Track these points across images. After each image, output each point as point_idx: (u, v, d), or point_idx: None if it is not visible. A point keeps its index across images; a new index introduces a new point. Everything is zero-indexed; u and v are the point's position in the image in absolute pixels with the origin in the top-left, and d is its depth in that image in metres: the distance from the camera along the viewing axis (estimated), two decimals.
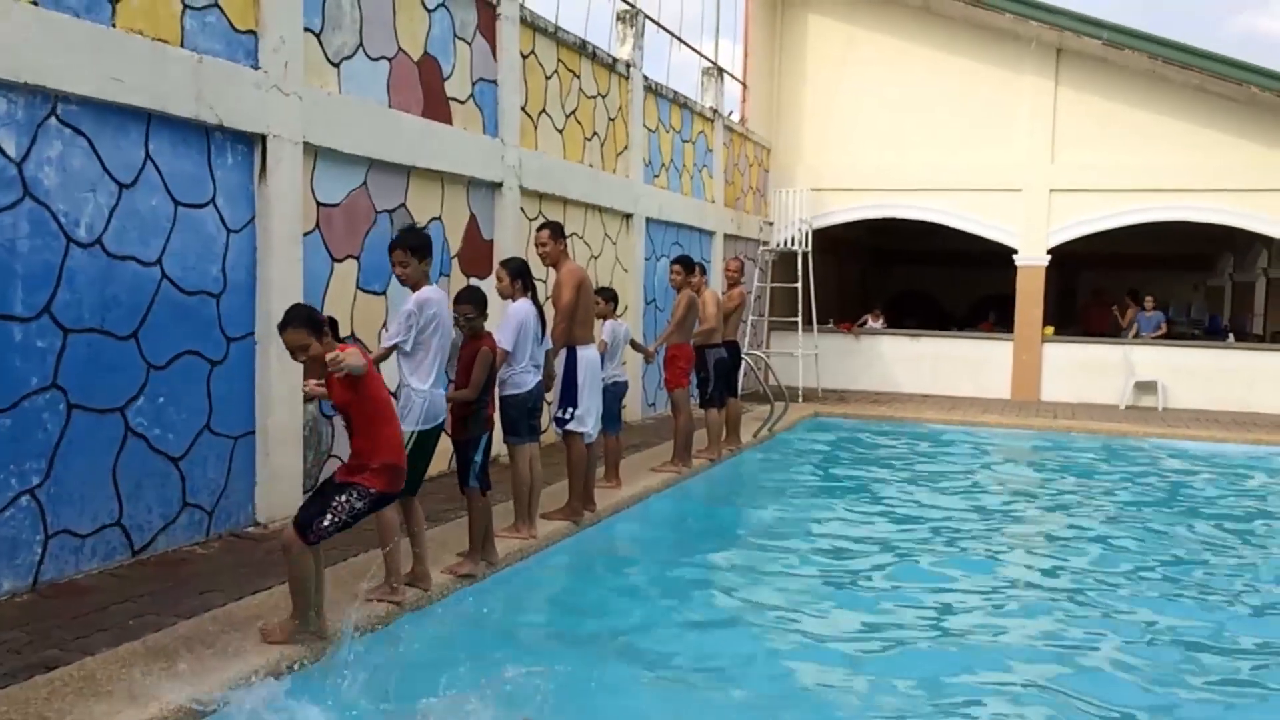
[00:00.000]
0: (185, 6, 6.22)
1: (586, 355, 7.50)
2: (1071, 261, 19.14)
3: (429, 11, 8.58)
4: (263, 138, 6.77)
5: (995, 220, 17.28)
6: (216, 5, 6.45)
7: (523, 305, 6.72)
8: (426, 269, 5.85)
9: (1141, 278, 21.44)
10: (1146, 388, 16.42)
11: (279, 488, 6.99)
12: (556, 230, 7.54)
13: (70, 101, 5.54)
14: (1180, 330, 21.04)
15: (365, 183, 7.91)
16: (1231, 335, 19.04)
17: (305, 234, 7.23)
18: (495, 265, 9.63)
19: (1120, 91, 16.62)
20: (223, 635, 4.81)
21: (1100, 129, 16.70)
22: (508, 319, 6.66)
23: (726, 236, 16.00)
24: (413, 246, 5.73)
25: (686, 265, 9.78)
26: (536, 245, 7.65)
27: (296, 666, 4.62)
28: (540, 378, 6.87)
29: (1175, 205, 16.46)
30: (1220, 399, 16.21)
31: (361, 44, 7.76)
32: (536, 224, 10.42)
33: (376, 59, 7.94)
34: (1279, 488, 10.84)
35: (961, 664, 5.43)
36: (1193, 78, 15.78)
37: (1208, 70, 15.31)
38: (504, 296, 6.85)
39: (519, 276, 6.79)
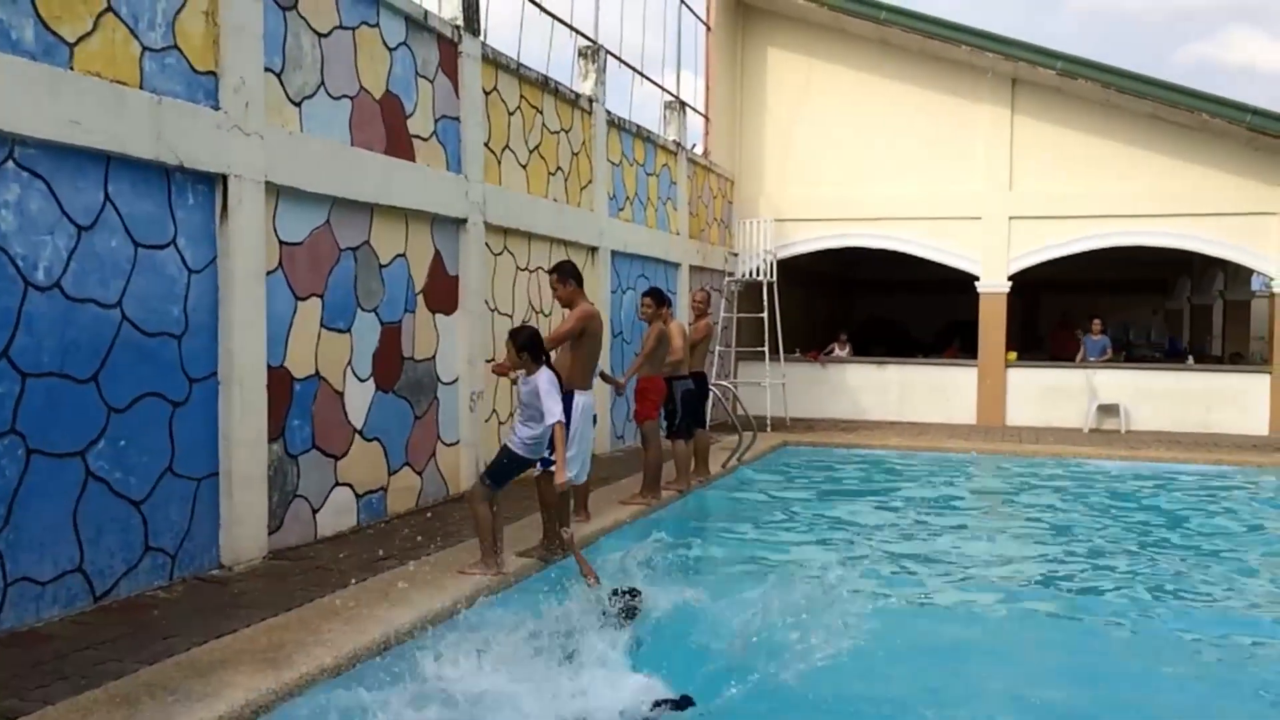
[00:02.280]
0: (144, 48, 6.22)
1: (583, 401, 7.58)
2: (1033, 287, 19.38)
3: (390, 50, 8.63)
4: (224, 178, 6.76)
5: (956, 248, 17.50)
6: (176, 47, 6.45)
7: (545, 374, 6.68)
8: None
9: (1102, 302, 21.75)
10: (1109, 410, 16.62)
11: (243, 530, 6.92)
12: (565, 271, 7.72)
13: (28, 145, 5.51)
14: (1141, 353, 21.32)
15: (328, 221, 7.91)
16: (1191, 357, 19.33)
17: (268, 273, 7.21)
18: (459, 298, 9.67)
19: (1075, 120, 16.92)
20: (186, 681, 4.75)
21: (1056, 157, 16.99)
22: (548, 394, 6.58)
23: (692, 268, 16.09)
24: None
25: (657, 298, 9.82)
26: (551, 288, 7.92)
27: (260, 711, 4.57)
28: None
29: (1131, 230, 16.75)
30: (1181, 420, 16.44)
31: (323, 83, 7.78)
32: (501, 258, 10.48)
33: (338, 98, 7.97)
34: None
35: None
36: (1145, 106, 16.11)
37: (1160, 98, 15.64)
38: (515, 369, 6.84)
39: (525, 349, 6.69)
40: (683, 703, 5.33)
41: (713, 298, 16.70)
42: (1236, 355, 20.54)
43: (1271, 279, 16.30)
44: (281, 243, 7.42)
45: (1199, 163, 16.42)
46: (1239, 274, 20.62)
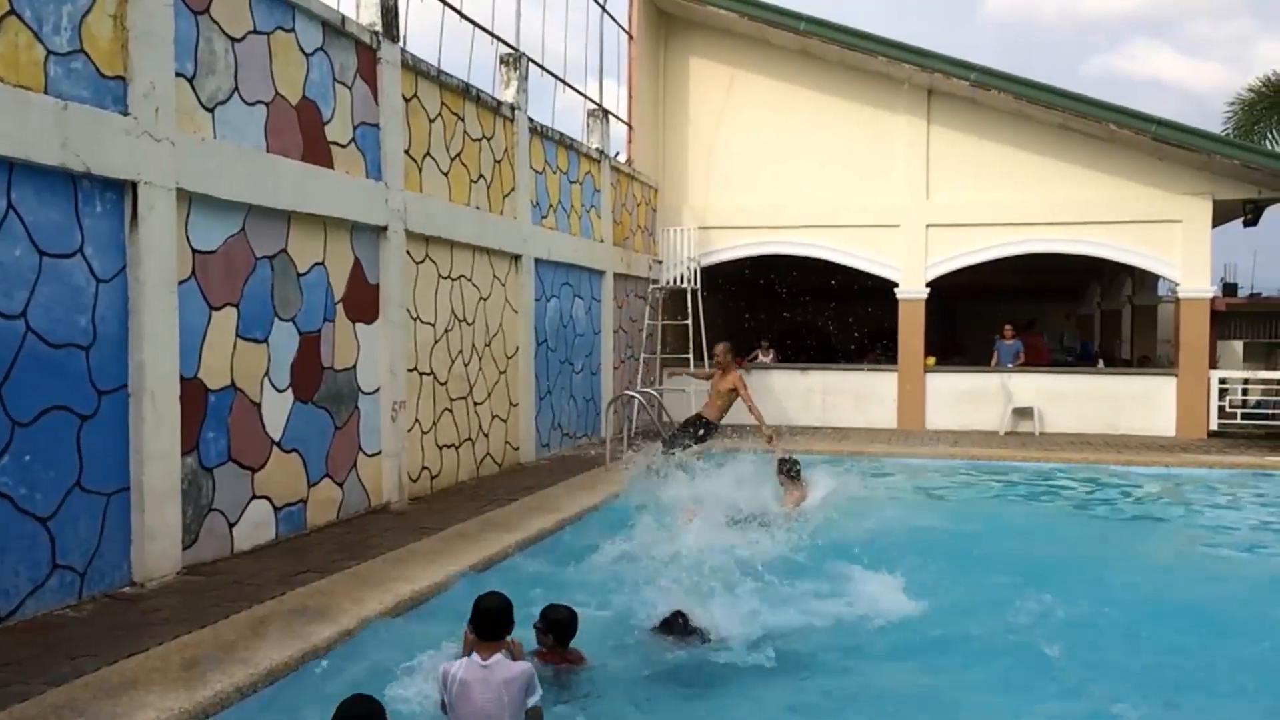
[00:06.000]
0: (49, 53, 6.05)
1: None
2: (950, 294, 19.75)
3: (306, 56, 8.50)
4: (133, 184, 6.60)
5: (876, 255, 17.79)
6: (82, 51, 6.29)
7: None
8: None
9: (1016, 308, 22.25)
10: (1024, 413, 17.02)
11: (156, 546, 6.75)
12: (792, 471, 9.90)
13: None
14: (1054, 357, 21.84)
15: (243, 229, 7.76)
16: (1101, 361, 19.88)
17: (180, 282, 7.05)
18: (380, 307, 9.54)
19: (989, 130, 17.32)
20: (95, 702, 4.62)
21: (971, 166, 17.38)
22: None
23: (616, 276, 16.11)
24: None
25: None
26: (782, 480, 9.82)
27: None
28: None
29: (1043, 238, 17.18)
30: (1092, 422, 16.90)
31: (236, 89, 7.64)
32: (423, 266, 10.38)
33: (253, 104, 7.83)
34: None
35: None
36: (1055, 116, 16.55)
37: (1069, 109, 16.08)
38: None
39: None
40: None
41: (637, 305, 16.75)
42: (1145, 358, 21.20)
43: (1177, 284, 16.84)
44: (194, 251, 7.26)
45: (1107, 172, 16.92)
46: (1146, 280, 21.31)
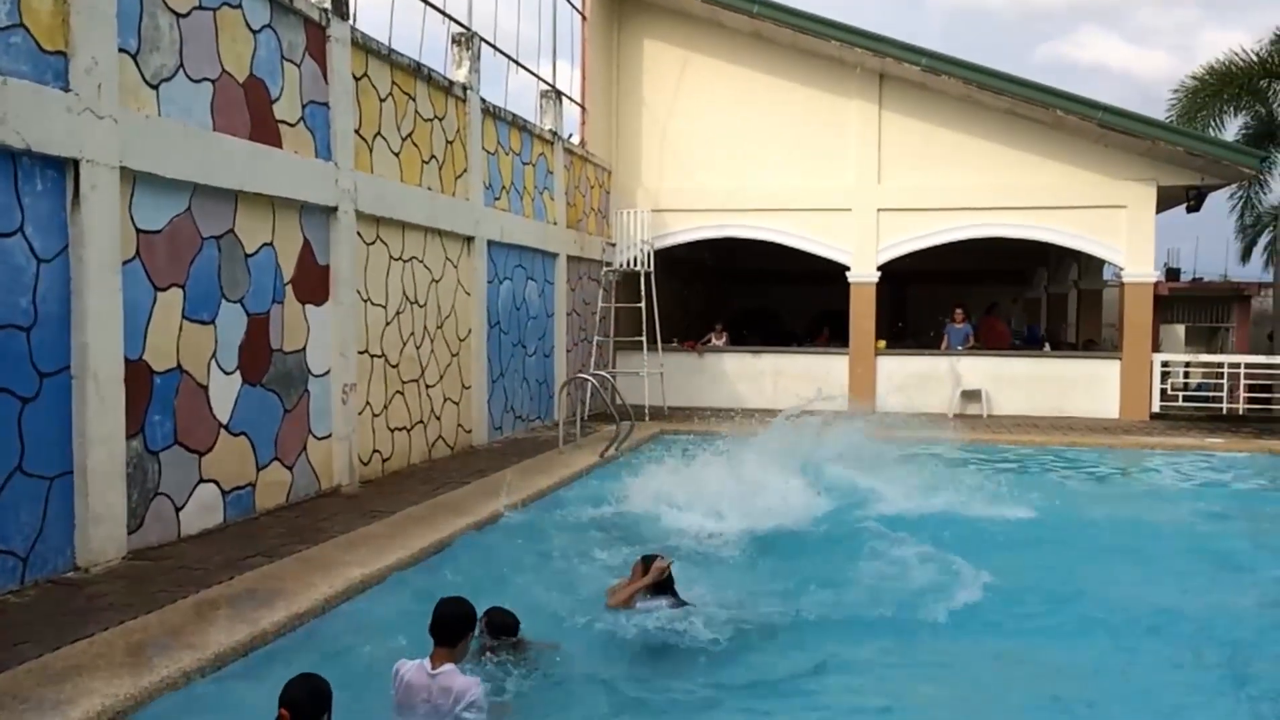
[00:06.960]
0: None
1: None
2: (901, 278, 19.93)
3: (254, 33, 8.36)
4: (75, 162, 6.47)
5: (829, 239, 17.90)
6: (21, 25, 6.13)
7: None
8: None
9: (965, 292, 22.49)
10: (972, 396, 17.26)
11: (101, 530, 6.65)
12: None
13: None
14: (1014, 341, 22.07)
15: (189, 208, 7.63)
16: (1048, 344, 20.16)
17: (124, 262, 6.93)
18: (330, 288, 9.45)
19: (939, 116, 17.46)
20: (38, 689, 4.55)
21: (921, 151, 17.52)
22: None
23: (570, 258, 16.07)
24: None
25: None
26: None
27: (119, 718, 4.41)
28: None
29: (992, 223, 17.39)
30: (1038, 405, 17.18)
31: (182, 65, 7.50)
32: (374, 248, 10.28)
33: (198, 81, 7.69)
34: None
35: None
36: (1004, 102, 16.74)
37: (1018, 95, 16.27)
38: None
39: None
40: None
41: (590, 287, 16.69)
42: (1090, 342, 21.53)
43: (1121, 269, 17.13)
44: (139, 231, 7.13)
45: (1054, 158, 17.15)
46: (1092, 264, 21.64)
